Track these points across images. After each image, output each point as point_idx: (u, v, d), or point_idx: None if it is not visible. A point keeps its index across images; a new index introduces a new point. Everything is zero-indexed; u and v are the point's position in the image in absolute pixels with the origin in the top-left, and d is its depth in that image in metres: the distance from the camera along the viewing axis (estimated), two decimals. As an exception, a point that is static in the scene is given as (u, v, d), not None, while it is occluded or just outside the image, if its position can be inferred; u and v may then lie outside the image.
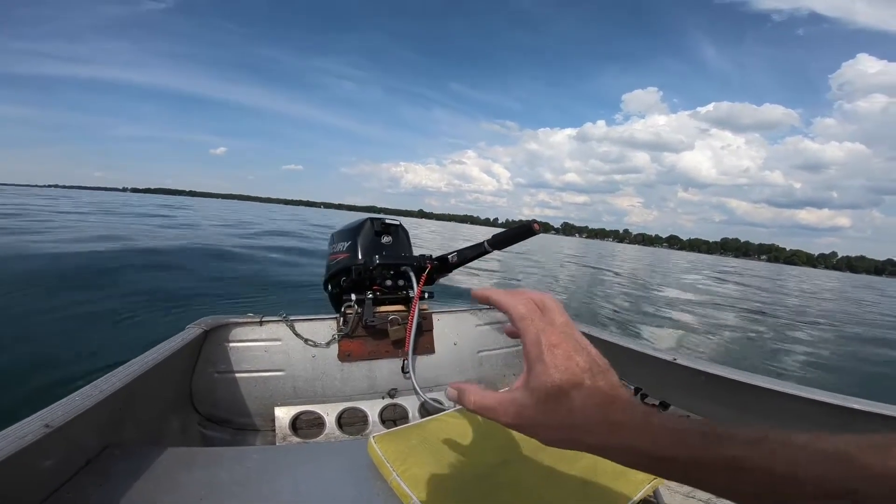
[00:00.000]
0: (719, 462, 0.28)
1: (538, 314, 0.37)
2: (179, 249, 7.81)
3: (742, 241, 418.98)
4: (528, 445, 0.81)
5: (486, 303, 0.41)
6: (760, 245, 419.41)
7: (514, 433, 0.85)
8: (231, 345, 1.33)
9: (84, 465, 0.71)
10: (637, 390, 1.13)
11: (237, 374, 1.33)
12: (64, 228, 9.87)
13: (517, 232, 1.27)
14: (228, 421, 1.31)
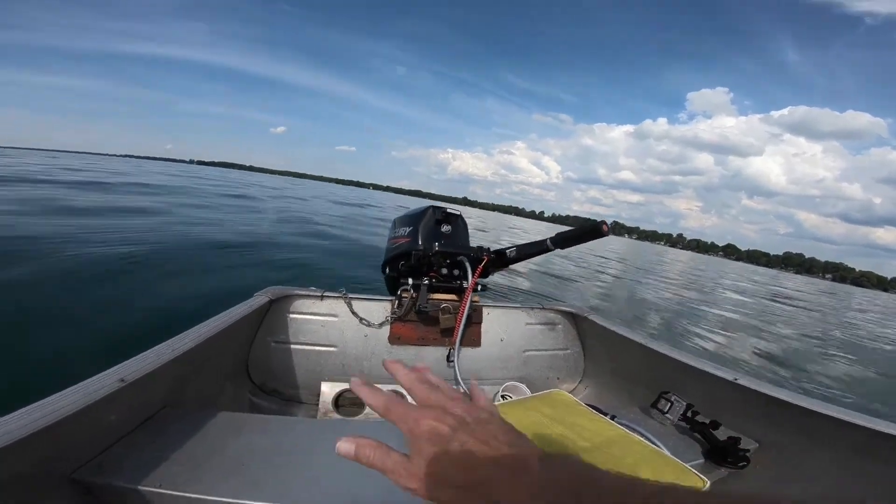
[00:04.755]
0: None
1: (398, 401, 0.39)
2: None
3: (807, 256, 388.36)
4: (568, 449, 0.81)
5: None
6: (827, 263, 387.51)
7: (552, 436, 0.85)
8: (291, 316, 1.39)
9: (142, 422, 0.75)
10: (688, 407, 1.09)
11: (292, 346, 1.38)
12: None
13: (584, 231, 1.19)
14: (277, 391, 1.36)
